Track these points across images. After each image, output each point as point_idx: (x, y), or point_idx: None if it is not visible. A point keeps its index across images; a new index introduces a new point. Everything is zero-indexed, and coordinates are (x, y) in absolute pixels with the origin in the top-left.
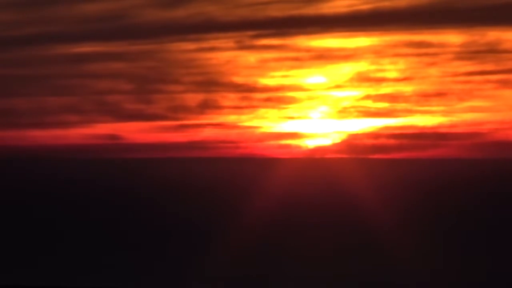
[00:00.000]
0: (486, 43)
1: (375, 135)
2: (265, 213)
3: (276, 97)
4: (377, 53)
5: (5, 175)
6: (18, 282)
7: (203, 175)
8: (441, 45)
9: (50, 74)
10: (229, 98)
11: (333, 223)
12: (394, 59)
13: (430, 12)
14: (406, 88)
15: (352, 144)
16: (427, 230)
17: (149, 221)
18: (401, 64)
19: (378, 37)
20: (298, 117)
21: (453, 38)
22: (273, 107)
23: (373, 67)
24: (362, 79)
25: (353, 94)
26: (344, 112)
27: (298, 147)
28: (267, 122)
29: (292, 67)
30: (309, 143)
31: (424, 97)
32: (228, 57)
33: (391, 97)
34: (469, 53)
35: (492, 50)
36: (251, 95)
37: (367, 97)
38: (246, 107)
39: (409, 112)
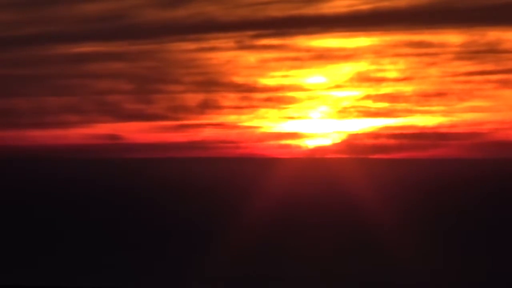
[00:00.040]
0: (486, 43)
1: (375, 135)
2: (265, 213)
3: (276, 97)
4: (377, 53)
5: (5, 175)
6: (18, 282)
7: (203, 175)
8: (441, 45)
9: (50, 74)
10: (229, 98)
11: (333, 223)
12: (394, 59)
13: (430, 12)
14: (406, 88)
15: (352, 144)
16: (427, 230)
17: (149, 221)
18: (401, 64)
19: (378, 37)
20: (298, 117)
21: (453, 38)
22: (273, 107)
23: (373, 67)
24: (362, 79)
25: (353, 94)
26: (344, 112)
27: (298, 147)
28: (267, 122)
29: (292, 67)
30: (309, 143)
31: (424, 97)
32: (228, 57)
33: (391, 97)
34: (469, 53)
35: (492, 50)
36: (251, 95)
37: (367, 97)
38: (246, 107)
39: (409, 112)
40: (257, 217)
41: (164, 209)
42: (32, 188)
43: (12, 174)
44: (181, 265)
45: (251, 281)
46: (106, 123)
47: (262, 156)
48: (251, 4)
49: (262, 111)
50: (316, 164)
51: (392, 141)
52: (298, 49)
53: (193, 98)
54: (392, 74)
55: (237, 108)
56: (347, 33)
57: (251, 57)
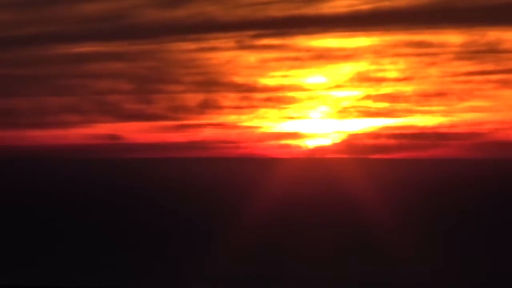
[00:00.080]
0: (486, 43)
1: (375, 135)
2: (265, 213)
3: (276, 97)
4: (377, 53)
5: (5, 175)
6: (18, 282)
7: (203, 175)
8: (441, 45)
9: (50, 74)
10: (229, 98)
11: (333, 223)
12: (394, 59)
13: (430, 12)
14: (406, 88)
15: (352, 144)
16: (427, 230)
17: (149, 221)
18: (401, 64)
19: (378, 37)
20: (298, 117)
21: (453, 38)
22: (273, 107)
23: (373, 67)
24: (362, 79)
25: (353, 94)
26: (344, 112)
27: (298, 147)
28: (267, 122)
29: (292, 67)
30: (309, 143)
31: (424, 97)
32: (228, 57)
33: (391, 97)
34: (469, 53)
35: (492, 50)
36: (251, 95)
37: (367, 97)
38: (246, 107)
39: (409, 112)
40: (257, 217)
41: (164, 209)
42: (32, 188)
43: (12, 174)
44: (181, 265)
45: (251, 281)
46: (106, 123)
47: (262, 156)
48: (251, 4)
49: (262, 111)
50: (316, 164)
51: (392, 141)
52: (298, 49)
53: (193, 98)
54: (392, 74)
55: (237, 108)
56: (347, 33)
57: (251, 57)
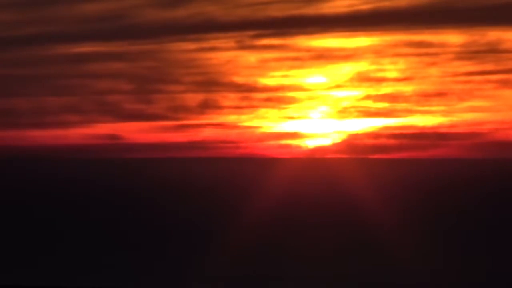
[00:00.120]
0: (486, 43)
1: (375, 135)
2: (265, 213)
3: (276, 97)
4: (377, 53)
5: (5, 175)
6: (18, 282)
7: (203, 175)
8: (441, 45)
9: (50, 74)
10: (229, 98)
11: (333, 223)
12: (394, 59)
13: (430, 12)
14: (406, 88)
15: (352, 144)
16: (427, 230)
17: (149, 221)
18: (401, 64)
19: (378, 37)
20: (298, 117)
21: (453, 38)
22: (273, 107)
23: (373, 67)
24: (362, 79)
25: (353, 94)
26: (344, 112)
27: (298, 147)
28: (267, 122)
29: (292, 67)
30: (309, 143)
31: (424, 97)
32: (228, 57)
33: (391, 97)
34: (469, 53)
35: (492, 50)
36: (251, 95)
37: (367, 97)
38: (246, 107)
39: (409, 112)
40: (257, 217)
41: (164, 209)
42: (32, 188)
43: (12, 174)
44: (181, 265)
45: (251, 281)
46: (106, 123)
47: (262, 156)
48: (251, 4)
49: (262, 111)
50: (316, 164)
51: (392, 141)
52: (298, 49)
53: (193, 98)
54: (392, 74)
55: (237, 108)
56: (347, 33)
57: (251, 57)
